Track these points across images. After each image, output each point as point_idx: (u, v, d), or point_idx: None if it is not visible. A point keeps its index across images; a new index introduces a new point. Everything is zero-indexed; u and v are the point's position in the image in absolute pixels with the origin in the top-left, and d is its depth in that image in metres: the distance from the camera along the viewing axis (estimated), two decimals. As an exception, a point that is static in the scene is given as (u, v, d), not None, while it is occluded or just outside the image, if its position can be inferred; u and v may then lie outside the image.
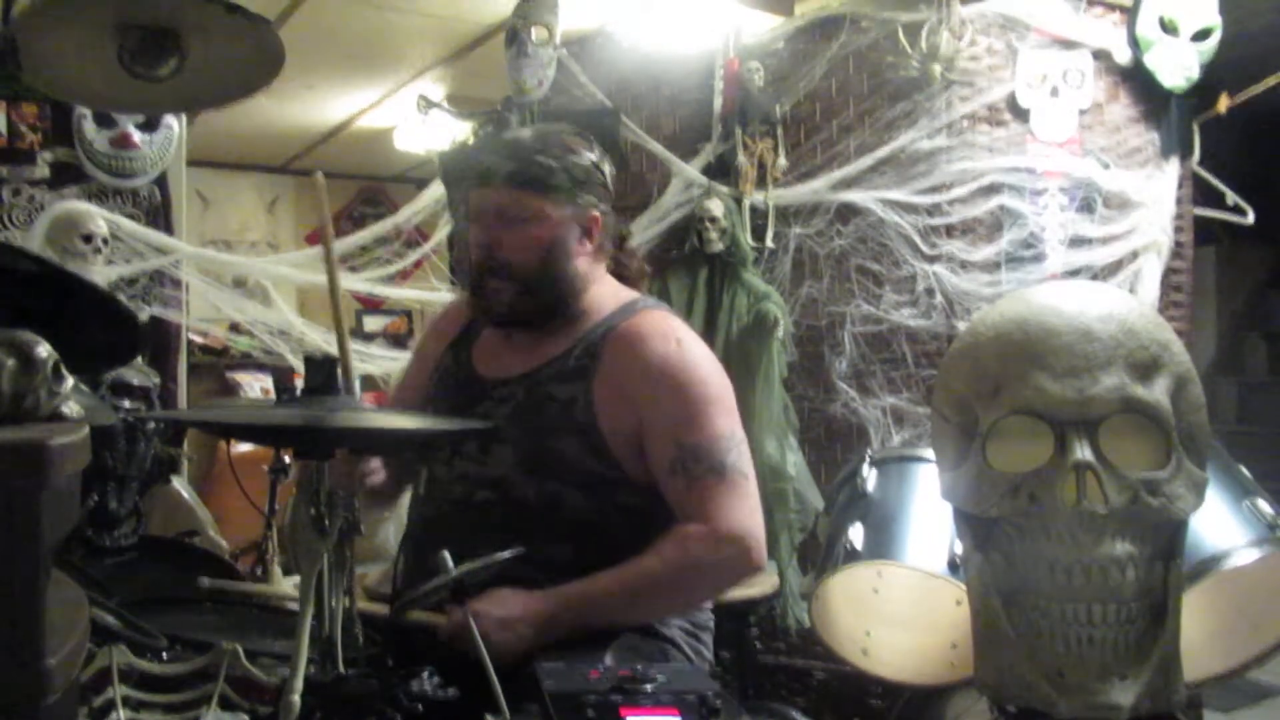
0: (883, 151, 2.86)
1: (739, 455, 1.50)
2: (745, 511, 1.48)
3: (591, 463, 1.50)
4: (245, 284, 3.25)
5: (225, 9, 1.41)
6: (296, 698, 0.95)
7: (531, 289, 1.53)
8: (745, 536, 1.47)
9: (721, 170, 3.06)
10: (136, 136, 2.95)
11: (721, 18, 3.05)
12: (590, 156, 1.57)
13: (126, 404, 1.99)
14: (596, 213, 1.57)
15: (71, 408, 0.81)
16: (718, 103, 3.08)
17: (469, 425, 1.51)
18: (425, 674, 1.08)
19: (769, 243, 3.00)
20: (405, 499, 1.74)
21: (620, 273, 1.69)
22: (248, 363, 4.85)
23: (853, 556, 1.71)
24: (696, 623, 1.60)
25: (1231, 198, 2.74)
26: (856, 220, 2.89)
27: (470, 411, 1.59)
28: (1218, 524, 1.52)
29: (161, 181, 3.05)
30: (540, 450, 1.50)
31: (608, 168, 1.61)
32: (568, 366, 1.54)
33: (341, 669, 1.06)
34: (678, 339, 1.54)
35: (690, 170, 3.06)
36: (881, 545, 1.73)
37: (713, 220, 2.94)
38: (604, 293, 1.61)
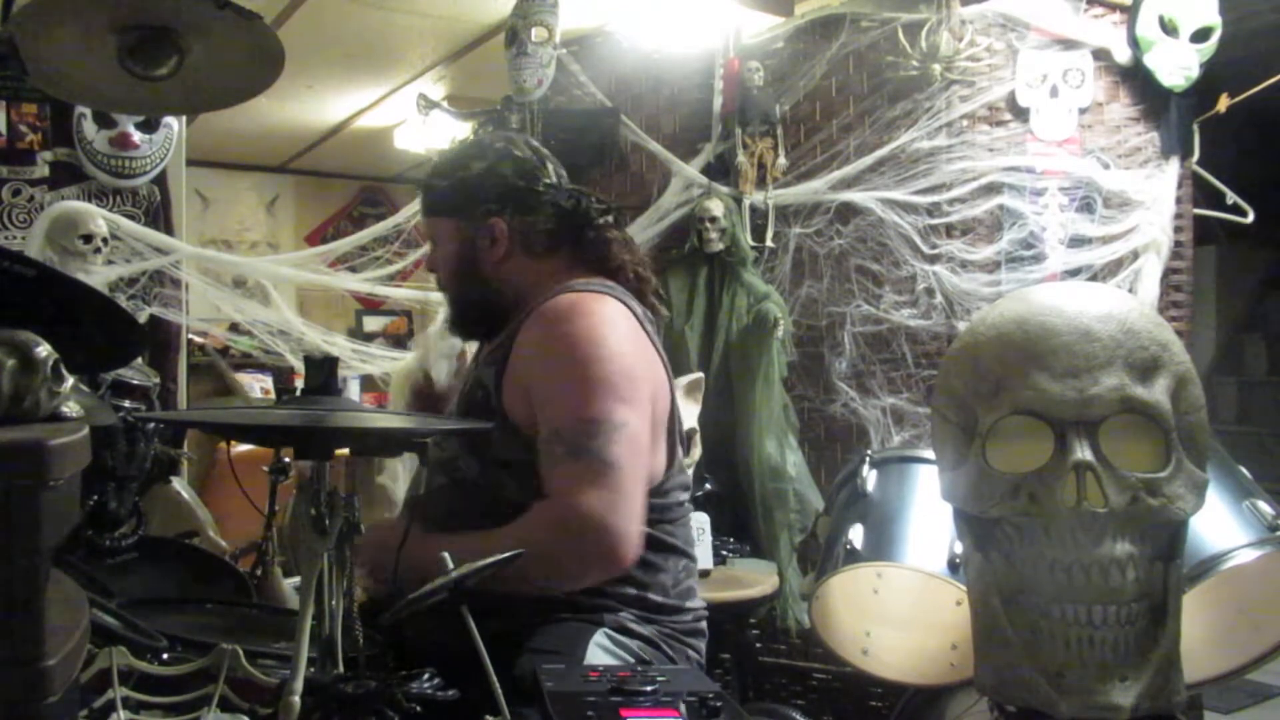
0: (883, 151, 2.86)
1: (608, 442, 1.39)
2: (601, 498, 1.37)
3: (511, 447, 1.48)
4: (245, 284, 3.24)
5: (215, 5, 1.40)
6: (296, 698, 0.95)
7: (458, 301, 1.67)
8: (595, 522, 1.36)
9: (721, 170, 3.05)
10: (136, 136, 2.95)
11: (721, 18, 3.05)
12: (480, 165, 1.59)
13: (126, 404, 1.98)
14: (496, 219, 1.58)
15: (71, 408, 0.81)
16: (718, 103, 3.08)
17: (467, 424, 1.51)
18: (425, 674, 1.08)
19: (769, 243, 2.99)
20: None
21: (583, 258, 1.61)
22: (248, 363, 4.85)
23: (853, 556, 1.71)
24: (679, 627, 1.53)
25: (1231, 198, 2.73)
26: (856, 220, 2.89)
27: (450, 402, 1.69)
28: (1218, 524, 1.52)
29: (161, 181, 3.05)
30: (476, 433, 1.51)
31: (508, 169, 1.58)
32: (495, 354, 1.56)
33: (341, 669, 1.06)
34: (587, 317, 1.47)
35: (690, 170, 3.06)
36: (881, 545, 1.73)
37: (712, 220, 2.94)
38: (552, 284, 1.57)
